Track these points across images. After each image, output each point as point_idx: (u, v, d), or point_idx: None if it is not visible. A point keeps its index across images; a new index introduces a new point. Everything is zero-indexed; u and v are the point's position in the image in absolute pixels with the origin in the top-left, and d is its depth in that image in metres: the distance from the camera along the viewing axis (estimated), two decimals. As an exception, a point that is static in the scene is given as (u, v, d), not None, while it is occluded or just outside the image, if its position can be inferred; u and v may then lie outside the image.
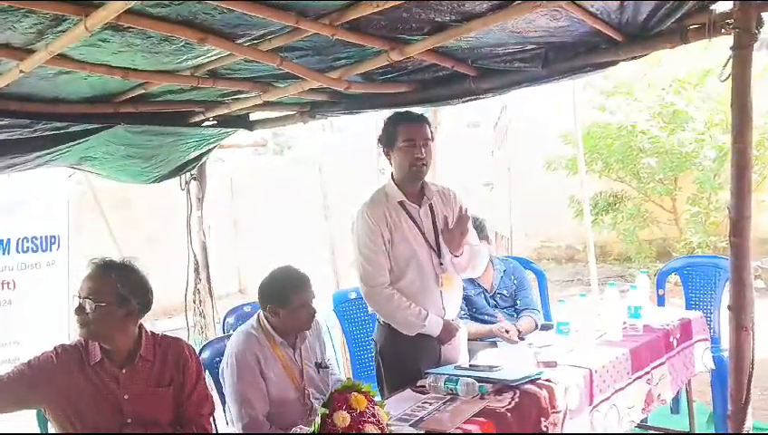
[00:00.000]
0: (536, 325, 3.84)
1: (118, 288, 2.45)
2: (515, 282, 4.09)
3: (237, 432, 2.82)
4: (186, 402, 2.60)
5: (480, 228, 3.95)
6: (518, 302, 4.07)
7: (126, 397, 2.48)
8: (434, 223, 3.12)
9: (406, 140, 3.02)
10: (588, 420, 2.89)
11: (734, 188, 2.38)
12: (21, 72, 2.45)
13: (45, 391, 2.41)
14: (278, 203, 9.51)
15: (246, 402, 2.76)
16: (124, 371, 2.50)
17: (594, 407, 2.93)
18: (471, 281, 3.85)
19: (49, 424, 2.53)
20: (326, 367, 3.04)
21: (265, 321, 2.90)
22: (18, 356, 4.58)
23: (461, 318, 3.64)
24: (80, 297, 2.43)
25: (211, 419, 2.73)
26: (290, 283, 2.86)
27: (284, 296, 2.82)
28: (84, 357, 2.47)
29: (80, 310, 2.42)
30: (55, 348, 2.49)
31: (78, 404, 2.43)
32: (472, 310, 3.92)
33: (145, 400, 2.52)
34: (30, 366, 2.44)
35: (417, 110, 3.26)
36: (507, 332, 3.70)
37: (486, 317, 3.91)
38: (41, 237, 4.73)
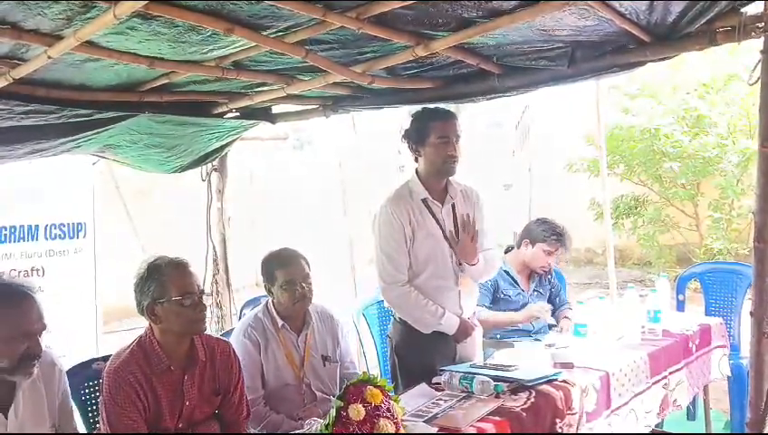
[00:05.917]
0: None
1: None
2: (550, 280, 4.08)
3: (263, 433, 2.83)
4: (229, 405, 2.59)
5: (563, 239, 3.85)
6: (557, 301, 4.06)
7: (187, 403, 2.46)
8: (455, 222, 3.11)
9: (440, 137, 3.01)
10: (606, 423, 2.87)
11: (759, 192, 2.35)
12: (49, 57, 2.46)
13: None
14: (297, 198, 9.52)
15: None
16: (186, 377, 2.46)
17: (613, 411, 2.91)
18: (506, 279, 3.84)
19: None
20: (335, 362, 3.04)
21: (271, 304, 2.98)
22: (46, 343, 4.58)
23: (483, 305, 3.63)
24: (197, 295, 2.41)
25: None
26: (276, 259, 2.94)
27: (271, 273, 2.92)
28: (150, 364, 2.40)
29: (203, 306, 2.43)
30: (118, 371, 2.37)
31: (146, 409, 2.38)
32: (500, 294, 3.84)
33: (201, 405, 2.50)
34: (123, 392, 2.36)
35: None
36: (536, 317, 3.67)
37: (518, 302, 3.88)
38: (68, 224, 4.74)
